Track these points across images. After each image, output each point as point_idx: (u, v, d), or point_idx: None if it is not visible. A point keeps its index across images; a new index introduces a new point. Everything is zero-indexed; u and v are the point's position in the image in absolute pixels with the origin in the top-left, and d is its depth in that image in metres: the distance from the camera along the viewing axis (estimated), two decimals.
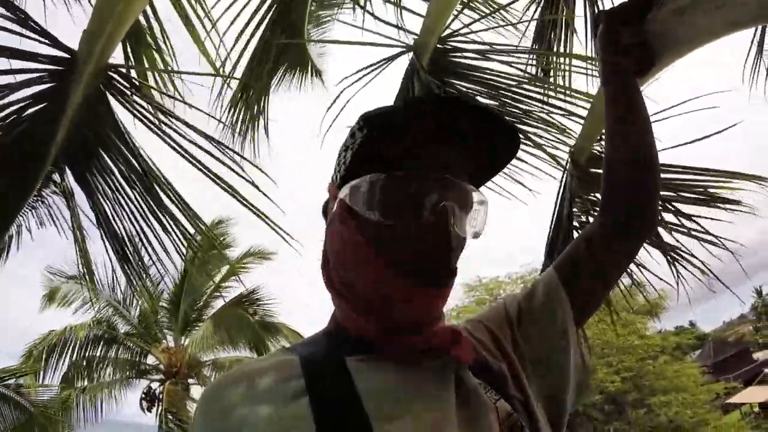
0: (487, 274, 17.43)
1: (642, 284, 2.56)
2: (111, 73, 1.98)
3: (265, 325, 12.27)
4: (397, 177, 0.69)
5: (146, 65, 2.27)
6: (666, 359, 16.71)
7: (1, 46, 1.86)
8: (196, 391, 12.42)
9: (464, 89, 2.23)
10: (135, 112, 1.99)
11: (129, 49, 2.26)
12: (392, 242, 0.69)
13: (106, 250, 2.04)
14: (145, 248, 1.96)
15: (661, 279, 2.41)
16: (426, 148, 0.70)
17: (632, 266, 2.54)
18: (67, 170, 2.05)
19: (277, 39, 2.74)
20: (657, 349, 16.71)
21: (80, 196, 2.10)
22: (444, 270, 0.70)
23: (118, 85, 2.00)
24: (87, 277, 2.17)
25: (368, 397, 0.66)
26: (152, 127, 1.95)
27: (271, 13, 2.67)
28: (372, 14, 2.21)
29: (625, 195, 0.89)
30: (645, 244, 2.46)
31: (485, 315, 0.88)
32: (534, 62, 2.68)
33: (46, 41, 1.91)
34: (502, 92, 2.24)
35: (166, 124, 1.93)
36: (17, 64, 1.89)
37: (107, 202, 1.98)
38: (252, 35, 2.65)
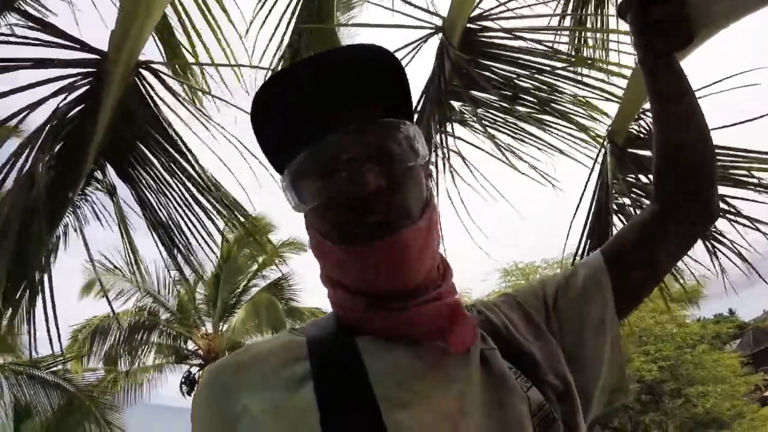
0: (523, 259, 17.14)
1: (680, 270, 2.48)
2: (142, 70, 2.03)
3: (290, 310, 12.50)
4: (297, 164, 0.66)
5: (177, 59, 2.31)
6: (704, 348, 16.23)
7: (35, 58, 1.93)
8: None
9: (495, 69, 2.18)
10: (167, 104, 2.04)
11: (160, 44, 2.31)
12: (327, 219, 0.67)
13: (154, 240, 2.10)
14: (193, 234, 2.01)
15: (701, 264, 2.32)
16: (307, 124, 0.67)
17: None
18: (108, 167, 2.12)
19: (306, 25, 2.73)
20: (696, 338, 16.24)
21: (121, 191, 2.18)
22: (376, 222, 0.62)
23: (149, 80, 2.04)
24: (134, 266, 2.25)
25: (378, 380, 0.61)
26: (184, 116, 2.01)
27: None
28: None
29: (674, 179, 0.80)
30: None
31: (521, 291, 0.81)
32: (566, 40, 2.60)
33: (76, 46, 1.96)
34: (535, 72, 2.17)
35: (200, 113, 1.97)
36: (53, 72, 1.96)
37: (151, 192, 2.04)
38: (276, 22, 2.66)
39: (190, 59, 2.34)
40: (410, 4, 2.16)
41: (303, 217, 0.73)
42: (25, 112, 1.88)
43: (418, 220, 0.65)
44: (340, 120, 0.64)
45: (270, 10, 2.54)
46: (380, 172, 0.63)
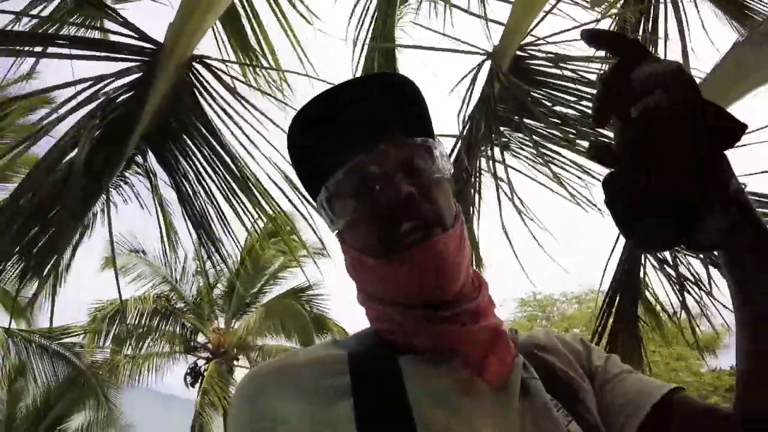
0: (542, 290, 16.80)
1: (701, 318, 2.43)
2: (196, 64, 2.08)
3: (317, 320, 12.46)
4: (332, 183, 0.69)
5: (241, 58, 2.37)
6: (716, 400, 15.69)
7: (94, 39, 2.00)
8: (240, 374, 12.77)
9: (542, 96, 2.18)
10: (217, 101, 2.10)
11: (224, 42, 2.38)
12: (363, 231, 0.68)
13: (187, 228, 2.15)
14: (225, 228, 2.05)
15: (724, 311, 2.27)
16: (341, 146, 0.69)
17: (691, 298, 2.41)
18: (150, 153, 2.18)
19: (372, 45, 2.81)
20: (709, 389, 15.72)
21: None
22: (411, 229, 0.64)
23: (202, 75, 2.10)
24: (169, 248, 2.29)
25: (417, 402, 0.60)
26: (232, 116, 2.06)
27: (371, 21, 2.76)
28: (472, 13, 2.21)
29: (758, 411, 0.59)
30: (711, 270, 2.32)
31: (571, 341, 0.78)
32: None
33: (135, 35, 2.03)
34: (582, 101, 2.16)
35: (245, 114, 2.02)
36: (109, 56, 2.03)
37: (189, 182, 2.09)
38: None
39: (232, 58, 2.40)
40: (473, 14, 2.17)
41: (339, 241, 0.74)
42: (77, 88, 1.94)
43: (451, 227, 0.66)
44: (371, 141, 0.68)
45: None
46: (411, 182, 0.65)
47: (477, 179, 2.35)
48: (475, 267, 2.70)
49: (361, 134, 0.68)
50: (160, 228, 2.17)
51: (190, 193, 2.09)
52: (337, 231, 0.73)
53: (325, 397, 0.62)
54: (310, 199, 0.78)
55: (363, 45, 2.77)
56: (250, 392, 0.66)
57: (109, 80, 2.01)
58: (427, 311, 0.65)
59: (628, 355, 2.76)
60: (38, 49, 1.99)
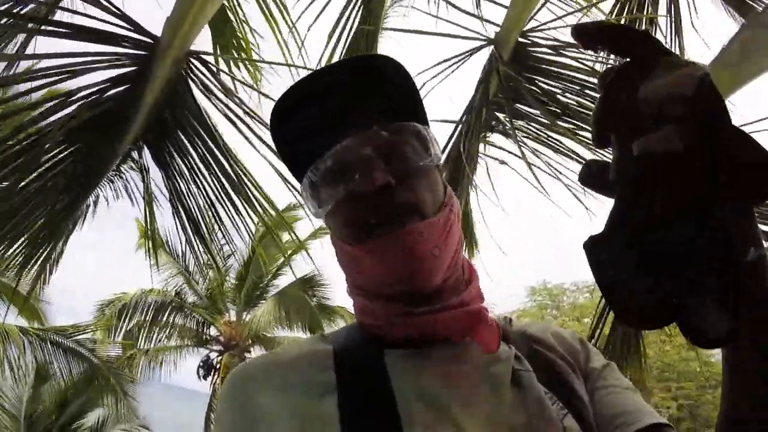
0: (552, 279, 16.77)
1: None
2: (192, 60, 2.06)
3: (322, 308, 12.52)
4: (312, 171, 0.67)
5: (232, 53, 2.34)
6: None
7: (90, 28, 1.97)
8: None
9: (542, 84, 2.13)
10: (213, 97, 2.07)
11: (213, 37, 2.36)
12: (341, 219, 0.66)
13: (176, 225, 2.14)
14: (218, 225, 2.03)
15: None
16: (322, 131, 0.66)
17: None
18: (145, 149, 2.16)
19: (357, 30, 2.76)
20: (719, 378, 15.59)
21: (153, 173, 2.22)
22: (373, 225, 0.62)
23: (199, 71, 2.07)
24: (152, 247, 2.29)
25: (404, 399, 0.59)
26: (228, 113, 2.03)
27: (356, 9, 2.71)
28: (459, 9, 2.17)
29: None
30: None
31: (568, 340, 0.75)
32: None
33: (131, 27, 2.00)
34: (585, 90, 2.11)
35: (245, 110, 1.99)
36: (104, 48, 2.01)
37: (182, 180, 2.07)
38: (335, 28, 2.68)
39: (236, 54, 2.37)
40: (466, 12, 2.14)
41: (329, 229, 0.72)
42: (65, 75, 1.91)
43: (433, 216, 0.63)
44: (353, 125, 0.65)
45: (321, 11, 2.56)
46: (390, 170, 0.62)
47: (481, 165, 2.32)
48: (469, 251, 2.67)
49: (341, 119, 0.66)
50: (146, 224, 2.17)
51: (183, 190, 2.07)
52: (323, 219, 0.71)
53: (311, 393, 0.62)
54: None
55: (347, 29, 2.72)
56: (237, 387, 0.66)
57: (103, 67, 1.98)
58: (409, 308, 0.63)
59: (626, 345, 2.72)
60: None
